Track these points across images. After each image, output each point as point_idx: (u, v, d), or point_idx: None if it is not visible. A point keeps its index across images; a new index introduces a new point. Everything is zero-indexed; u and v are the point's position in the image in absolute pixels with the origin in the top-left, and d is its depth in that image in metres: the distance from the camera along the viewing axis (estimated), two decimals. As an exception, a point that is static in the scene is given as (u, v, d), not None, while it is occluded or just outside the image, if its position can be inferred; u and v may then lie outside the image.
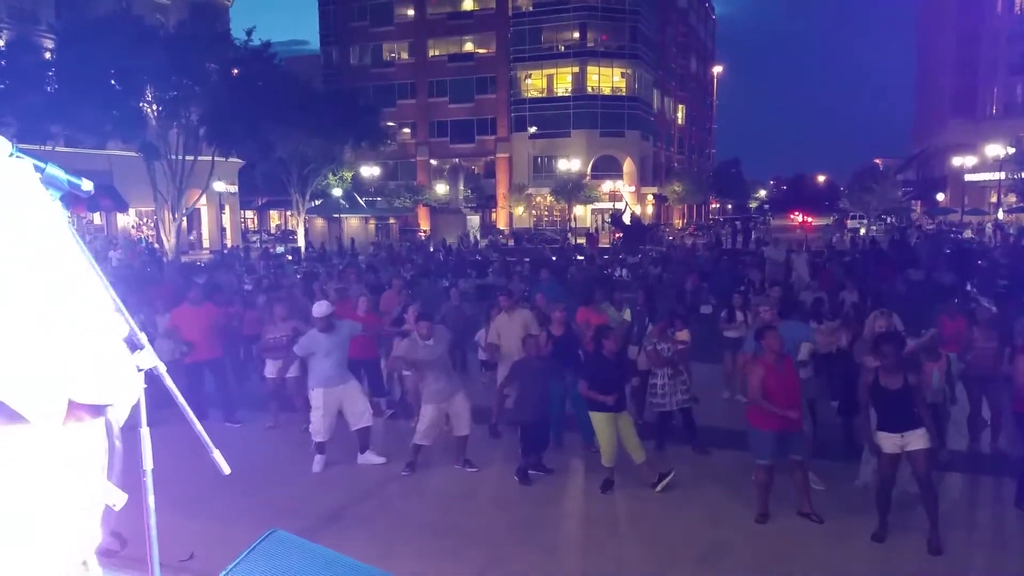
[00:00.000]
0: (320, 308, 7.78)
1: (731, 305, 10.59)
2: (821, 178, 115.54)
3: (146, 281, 17.05)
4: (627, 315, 9.72)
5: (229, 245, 36.26)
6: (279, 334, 8.83)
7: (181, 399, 1.97)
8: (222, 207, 41.04)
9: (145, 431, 1.85)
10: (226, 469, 2.02)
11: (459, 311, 11.67)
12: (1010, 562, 5.78)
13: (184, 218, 32.13)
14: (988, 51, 57.00)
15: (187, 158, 29.10)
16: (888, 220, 58.73)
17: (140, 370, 1.81)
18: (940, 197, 58.99)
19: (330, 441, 7.68)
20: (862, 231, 46.09)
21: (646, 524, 6.48)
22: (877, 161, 77.97)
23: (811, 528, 6.19)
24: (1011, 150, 47.48)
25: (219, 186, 35.99)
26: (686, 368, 8.35)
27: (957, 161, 54.93)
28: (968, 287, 16.76)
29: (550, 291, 11.28)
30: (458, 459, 7.62)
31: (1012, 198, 50.91)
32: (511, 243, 38.10)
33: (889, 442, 5.84)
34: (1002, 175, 46.80)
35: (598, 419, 6.99)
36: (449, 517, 6.53)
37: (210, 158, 30.37)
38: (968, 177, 54.36)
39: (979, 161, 51.33)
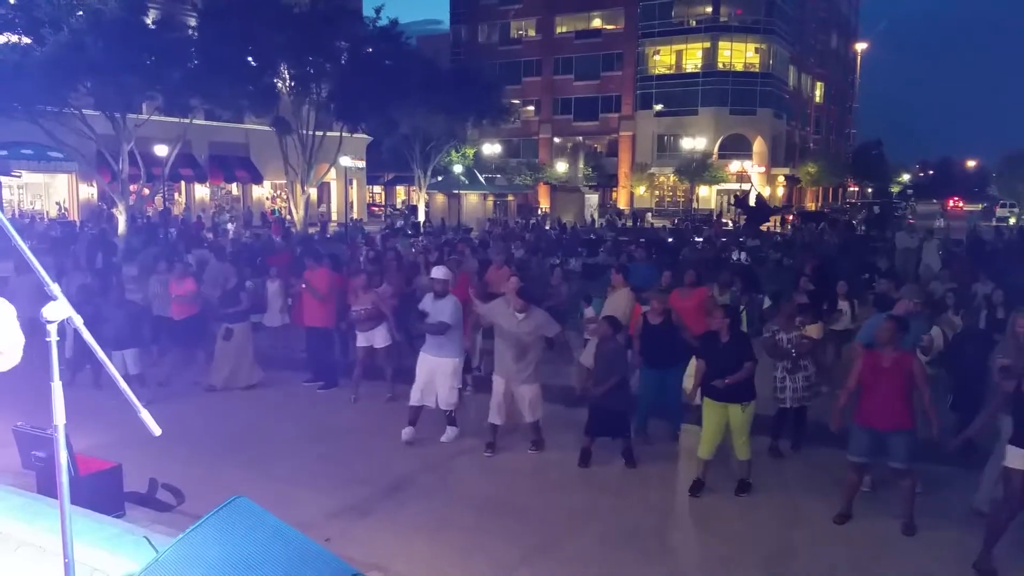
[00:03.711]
0: (437, 271, 7.92)
1: (834, 294, 9.85)
2: (971, 163, 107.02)
3: (271, 250, 17.97)
4: (727, 299, 9.35)
5: (334, 218, 37.42)
6: (360, 307, 9.00)
7: (101, 354, 1.98)
8: (349, 181, 42.51)
9: (57, 385, 1.86)
10: (156, 431, 2.01)
11: (557, 291, 11.58)
12: None
13: (313, 191, 33.52)
14: None
15: (317, 133, 30.25)
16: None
17: (49, 322, 1.82)
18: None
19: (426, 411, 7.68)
20: (1011, 220, 42.26)
21: (713, 520, 6.16)
22: (1038, 145, 71.19)
23: (895, 534, 5.70)
24: None
25: (346, 161, 37.24)
26: (814, 362, 7.66)
27: None
28: None
29: (644, 272, 11.00)
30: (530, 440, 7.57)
31: None
32: (629, 223, 37.40)
33: (1019, 458, 5.15)
34: None
35: (706, 405, 6.66)
36: (508, 495, 6.46)
37: (338, 133, 31.46)
38: None
39: None
